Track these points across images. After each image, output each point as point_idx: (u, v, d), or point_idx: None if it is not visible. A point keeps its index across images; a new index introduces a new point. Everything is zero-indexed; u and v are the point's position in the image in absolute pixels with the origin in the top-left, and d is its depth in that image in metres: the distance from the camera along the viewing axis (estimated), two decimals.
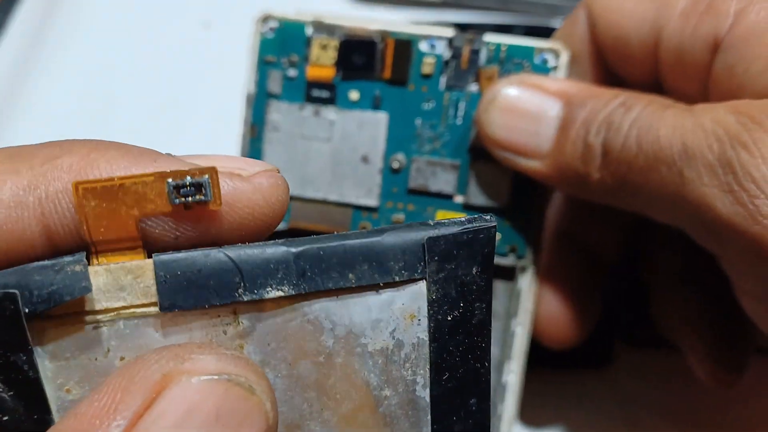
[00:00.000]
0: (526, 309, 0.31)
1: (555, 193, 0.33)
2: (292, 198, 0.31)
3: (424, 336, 0.20)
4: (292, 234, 0.31)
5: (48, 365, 0.18)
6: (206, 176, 0.19)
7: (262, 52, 0.31)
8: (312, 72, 0.31)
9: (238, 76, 0.32)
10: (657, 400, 0.36)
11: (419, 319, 0.20)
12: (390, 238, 0.19)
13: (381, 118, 0.31)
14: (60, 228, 0.19)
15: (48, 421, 0.18)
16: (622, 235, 0.33)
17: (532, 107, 0.29)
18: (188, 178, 0.19)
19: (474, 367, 0.20)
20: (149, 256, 0.19)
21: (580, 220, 0.33)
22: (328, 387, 0.20)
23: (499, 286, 0.31)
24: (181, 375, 0.17)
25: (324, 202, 0.31)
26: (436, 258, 0.19)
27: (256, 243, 0.19)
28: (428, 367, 0.20)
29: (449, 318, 0.20)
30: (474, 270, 0.19)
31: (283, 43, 0.31)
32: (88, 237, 0.19)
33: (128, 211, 0.19)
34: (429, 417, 0.20)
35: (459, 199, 0.31)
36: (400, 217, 0.31)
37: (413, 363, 0.20)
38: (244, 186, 0.20)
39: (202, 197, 0.19)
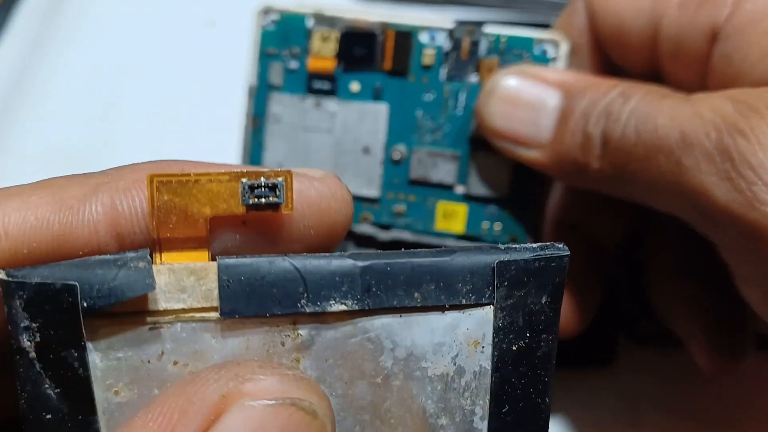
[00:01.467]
0: None
1: (555, 182, 0.33)
2: None
3: (487, 365, 0.19)
4: None
5: (98, 364, 0.18)
6: (281, 178, 0.18)
7: (263, 45, 0.31)
8: (313, 64, 0.31)
9: (242, 72, 0.32)
10: (660, 398, 0.36)
11: (483, 347, 0.19)
12: (459, 259, 0.19)
13: (382, 109, 0.31)
14: (129, 228, 0.18)
15: (92, 422, 0.18)
16: (622, 224, 0.34)
17: (531, 97, 0.29)
18: (263, 179, 0.18)
19: (535, 401, 0.19)
20: (213, 259, 0.18)
21: (580, 209, 0.33)
22: (383, 411, 0.19)
23: None
24: (242, 397, 0.16)
25: None
26: (506, 283, 0.19)
27: (322, 254, 0.18)
28: (488, 397, 0.19)
29: (514, 348, 0.19)
30: (543, 299, 0.19)
31: (284, 35, 0.31)
32: (155, 233, 0.18)
33: (200, 208, 0.18)
34: None
35: (460, 189, 0.31)
36: (401, 208, 0.31)
37: (473, 392, 0.19)
38: (313, 187, 0.19)
39: (276, 199, 0.18)
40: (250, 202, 0.18)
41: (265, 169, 0.18)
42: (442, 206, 0.31)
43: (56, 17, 0.48)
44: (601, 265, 0.33)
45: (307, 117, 0.31)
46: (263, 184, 0.18)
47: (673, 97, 0.26)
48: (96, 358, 0.18)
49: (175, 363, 0.18)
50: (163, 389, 0.17)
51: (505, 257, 0.19)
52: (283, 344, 0.18)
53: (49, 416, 0.17)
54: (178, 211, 0.18)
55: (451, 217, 0.31)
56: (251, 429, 0.16)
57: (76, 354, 0.17)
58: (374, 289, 0.18)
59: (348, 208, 0.20)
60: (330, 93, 0.31)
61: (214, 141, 0.36)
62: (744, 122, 0.23)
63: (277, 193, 0.18)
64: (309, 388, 0.17)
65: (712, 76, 0.27)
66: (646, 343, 0.37)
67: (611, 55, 0.30)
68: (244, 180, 0.18)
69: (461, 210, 0.31)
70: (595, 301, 0.32)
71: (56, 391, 0.17)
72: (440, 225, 0.31)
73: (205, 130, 0.42)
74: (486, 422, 0.19)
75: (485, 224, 0.31)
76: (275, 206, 0.18)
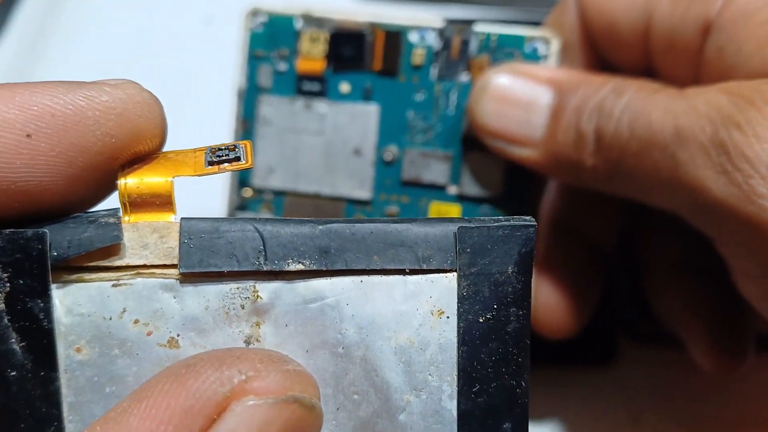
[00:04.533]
0: None
1: (549, 182, 0.32)
2: (285, 192, 0.31)
3: (453, 337, 0.19)
4: None
5: (63, 320, 0.18)
6: (243, 145, 0.20)
7: (251, 47, 0.31)
8: (302, 65, 0.31)
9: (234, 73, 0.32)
10: (660, 396, 0.36)
11: (448, 317, 0.19)
12: (420, 225, 0.19)
13: (372, 110, 0.31)
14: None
15: (53, 379, 0.18)
16: (618, 223, 0.33)
17: (523, 95, 0.28)
18: (225, 147, 0.20)
19: (509, 384, 0.19)
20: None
21: (575, 209, 0.32)
22: (346, 384, 0.19)
23: None
24: (246, 395, 0.17)
25: (317, 196, 0.31)
26: (468, 250, 0.18)
27: (283, 218, 0.19)
28: (456, 374, 0.19)
29: (481, 320, 0.19)
30: (509, 269, 0.19)
31: (272, 37, 0.31)
32: (124, 195, 0.19)
33: (165, 174, 0.19)
34: None
35: (453, 189, 0.31)
36: (394, 209, 0.31)
37: (439, 367, 0.19)
38: (105, 92, 0.19)
39: (234, 155, 0.19)
40: (211, 159, 0.19)
41: (226, 143, 0.20)
42: (435, 207, 0.31)
43: (56, 17, 0.47)
44: (598, 264, 0.33)
45: (297, 119, 0.31)
46: (225, 147, 0.19)
47: (667, 92, 0.26)
48: (61, 312, 0.18)
49: (136, 322, 0.18)
50: (154, 377, 0.17)
51: (468, 224, 0.19)
52: (242, 307, 0.19)
53: (13, 373, 0.18)
54: (146, 180, 0.19)
55: None
56: (256, 427, 0.16)
57: (42, 304, 0.18)
58: (332, 251, 0.18)
59: (152, 111, 0.20)
60: (320, 94, 0.31)
61: (206, 139, 0.36)
62: (739, 115, 0.23)
63: (238, 152, 0.19)
64: (307, 382, 0.18)
65: (706, 70, 0.27)
66: (646, 342, 0.37)
67: (603, 52, 0.30)
68: (207, 150, 0.20)
69: (454, 210, 0.31)
70: (593, 301, 0.32)
71: (21, 344, 0.18)
72: None
73: (201, 130, 0.42)
74: (455, 402, 0.19)
75: None
76: (235, 160, 0.19)
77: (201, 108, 0.44)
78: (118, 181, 0.19)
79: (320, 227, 0.19)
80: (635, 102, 0.26)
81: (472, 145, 0.30)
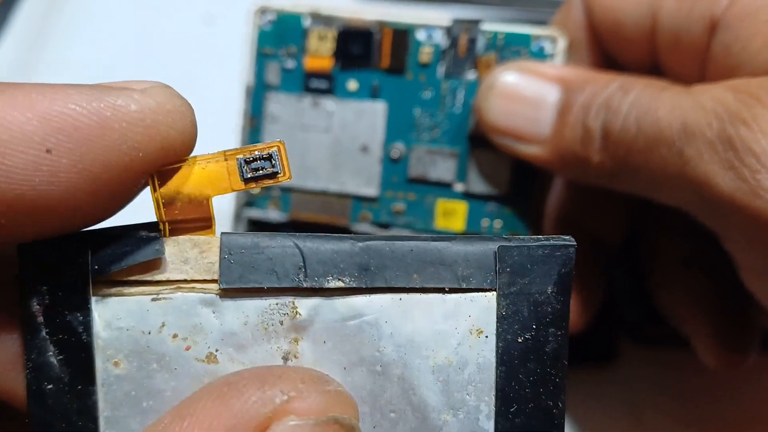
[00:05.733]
0: None
1: (555, 179, 0.32)
2: (292, 189, 0.31)
3: (491, 356, 0.19)
4: (293, 225, 0.31)
5: (101, 333, 0.18)
6: (274, 149, 0.19)
7: (260, 44, 0.31)
8: (310, 63, 0.31)
9: (240, 71, 0.32)
10: (662, 396, 0.36)
11: (486, 336, 0.19)
12: (460, 243, 0.19)
13: (379, 107, 0.31)
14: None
15: (90, 393, 0.18)
16: (624, 220, 0.33)
17: (530, 93, 0.29)
18: (257, 152, 0.19)
19: (546, 404, 0.19)
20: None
21: (581, 206, 0.33)
22: (383, 402, 0.19)
23: None
24: (287, 416, 0.17)
25: (324, 193, 0.31)
26: (508, 269, 0.18)
27: (323, 234, 0.19)
28: (494, 393, 0.19)
29: (520, 340, 0.19)
30: (549, 289, 0.19)
31: (280, 34, 0.31)
32: (162, 218, 0.19)
33: (202, 191, 0.19)
34: None
35: (459, 187, 0.31)
36: (401, 206, 0.31)
37: (477, 387, 0.19)
38: (133, 100, 0.17)
39: (273, 169, 0.19)
40: (249, 176, 0.19)
41: (256, 145, 0.19)
42: (442, 204, 0.31)
43: (56, 17, 0.47)
44: (603, 261, 0.33)
45: (305, 116, 0.31)
46: (258, 156, 0.19)
47: (673, 89, 0.26)
48: (99, 326, 0.18)
49: (175, 336, 0.18)
50: (196, 394, 0.17)
51: (508, 243, 0.19)
52: (281, 323, 0.19)
53: (50, 386, 0.18)
54: (182, 197, 0.19)
55: (451, 215, 0.31)
56: None
57: (81, 318, 0.18)
58: (372, 269, 0.18)
59: (184, 121, 0.18)
60: (327, 92, 0.31)
61: (212, 140, 0.36)
62: (746, 111, 0.23)
63: (273, 162, 0.19)
64: (347, 403, 0.18)
65: (712, 67, 0.27)
66: (649, 344, 0.37)
67: (609, 50, 0.30)
68: (239, 157, 0.19)
69: (461, 208, 0.31)
70: (598, 298, 0.32)
71: (59, 358, 0.18)
72: (440, 223, 0.31)
73: (203, 129, 0.42)
74: (492, 422, 0.19)
75: (485, 222, 0.31)
76: (273, 176, 0.19)
77: (202, 108, 0.44)
78: (154, 199, 0.18)
79: (360, 244, 0.18)
80: (642, 99, 0.26)
81: (479, 142, 0.30)
